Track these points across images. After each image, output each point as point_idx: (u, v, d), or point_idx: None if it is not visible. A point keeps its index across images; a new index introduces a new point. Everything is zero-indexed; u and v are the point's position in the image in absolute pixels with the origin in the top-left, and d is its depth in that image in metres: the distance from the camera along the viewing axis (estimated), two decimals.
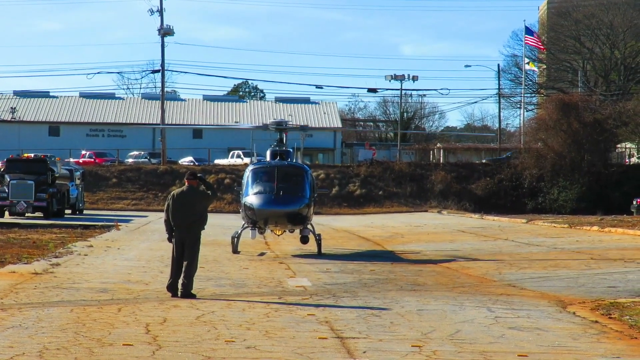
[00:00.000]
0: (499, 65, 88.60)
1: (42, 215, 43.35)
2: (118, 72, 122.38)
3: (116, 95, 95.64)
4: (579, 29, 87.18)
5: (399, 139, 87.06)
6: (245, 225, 25.67)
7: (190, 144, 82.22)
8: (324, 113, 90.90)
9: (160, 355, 10.37)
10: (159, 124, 76.77)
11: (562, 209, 60.42)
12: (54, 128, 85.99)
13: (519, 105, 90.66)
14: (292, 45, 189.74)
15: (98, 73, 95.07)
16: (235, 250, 25.13)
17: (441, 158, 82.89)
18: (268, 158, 27.75)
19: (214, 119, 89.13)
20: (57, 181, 45.11)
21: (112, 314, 13.36)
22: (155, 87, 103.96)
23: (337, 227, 41.39)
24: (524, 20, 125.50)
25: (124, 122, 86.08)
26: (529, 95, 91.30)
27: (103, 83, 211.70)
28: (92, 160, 73.29)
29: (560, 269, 21.54)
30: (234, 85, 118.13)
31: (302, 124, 49.73)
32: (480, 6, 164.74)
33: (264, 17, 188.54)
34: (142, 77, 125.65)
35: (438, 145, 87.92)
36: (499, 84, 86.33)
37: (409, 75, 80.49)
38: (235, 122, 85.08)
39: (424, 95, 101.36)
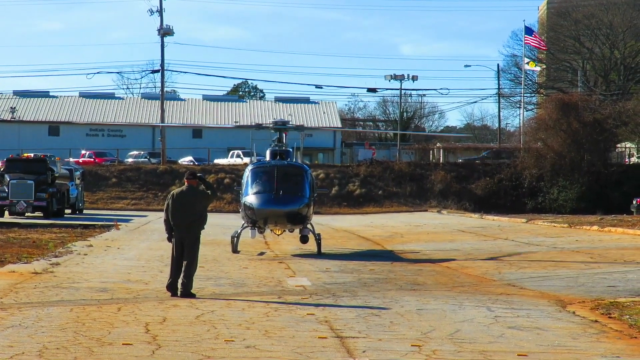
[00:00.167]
0: (498, 65, 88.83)
1: (42, 215, 43.34)
2: (118, 72, 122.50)
3: (116, 95, 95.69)
4: (579, 29, 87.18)
5: (398, 138, 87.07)
6: (245, 224, 25.66)
7: (190, 143, 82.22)
8: (324, 113, 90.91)
9: (160, 354, 10.37)
10: (158, 124, 76.77)
11: (562, 208, 60.40)
12: (53, 128, 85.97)
13: (518, 105, 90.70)
14: (291, 45, 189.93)
15: (98, 73, 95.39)
16: (235, 250, 25.13)
17: (441, 158, 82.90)
18: (268, 158, 27.74)
19: (214, 118, 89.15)
20: (57, 181, 45.11)
21: (111, 313, 13.36)
22: (155, 87, 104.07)
23: (336, 227, 41.38)
24: (524, 21, 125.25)
25: (123, 122, 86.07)
26: (528, 95, 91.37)
27: (103, 83, 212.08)
28: (92, 160, 73.29)
29: (560, 268, 21.54)
30: (234, 85, 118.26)
31: (302, 123, 49.70)
32: (480, 6, 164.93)
33: (263, 17, 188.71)
34: (142, 77, 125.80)
35: (438, 145, 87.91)
36: (498, 84, 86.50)
37: (408, 75, 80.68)
38: (235, 122, 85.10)
39: (424, 95, 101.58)
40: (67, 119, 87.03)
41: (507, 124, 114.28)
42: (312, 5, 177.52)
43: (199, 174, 16.30)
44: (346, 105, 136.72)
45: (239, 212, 29.78)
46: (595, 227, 36.46)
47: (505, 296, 16.18)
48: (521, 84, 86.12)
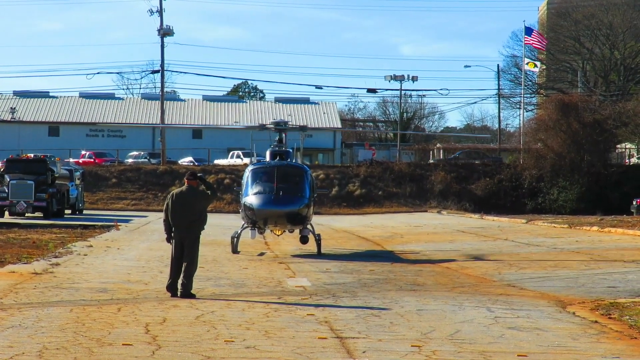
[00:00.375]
0: (498, 65, 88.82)
1: (42, 215, 43.35)
2: (118, 73, 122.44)
3: (116, 96, 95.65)
4: (579, 30, 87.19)
5: (398, 139, 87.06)
6: (245, 225, 25.67)
7: (190, 144, 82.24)
8: (324, 113, 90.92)
9: (160, 355, 10.37)
10: (158, 124, 76.79)
11: (562, 209, 60.43)
12: (53, 128, 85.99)
13: (518, 106, 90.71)
14: (291, 46, 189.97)
15: (98, 73, 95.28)
16: (234, 250, 25.13)
17: (441, 158, 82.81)
18: (268, 158, 27.74)
19: (214, 119, 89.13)
20: (56, 181, 45.12)
21: (111, 313, 13.36)
22: (155, 87, 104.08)
23: (336, 227, 41.39)
24: (524, 21, 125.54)
25: (123, 122, 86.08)
26: (528, 95, 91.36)
27: (103, 83, 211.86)
28: (92, 160, 73.29)
29: (560, 269, 21.54)
30: (234, 85, 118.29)
31: (302, 124, 49.68)
32: (480, 6, 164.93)
33: (263, 17, 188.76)
34: (142, 78, 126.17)
35: (438, 145, 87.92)
36: (498, 84, 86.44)
37: (408, 75, 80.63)
38: (235, 122, 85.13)
39: (424, 95, 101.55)
40: (67, 119, 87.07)
41: (507, 124, 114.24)
42: (312, 6, 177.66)
43: (199, 175, 16.29)
44: (346, 105, 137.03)
45: (239, 212, 29.78)
46: (595, 228, 36.46)
47: (505, 297, 16.18)
48: (521, 84, 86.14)
